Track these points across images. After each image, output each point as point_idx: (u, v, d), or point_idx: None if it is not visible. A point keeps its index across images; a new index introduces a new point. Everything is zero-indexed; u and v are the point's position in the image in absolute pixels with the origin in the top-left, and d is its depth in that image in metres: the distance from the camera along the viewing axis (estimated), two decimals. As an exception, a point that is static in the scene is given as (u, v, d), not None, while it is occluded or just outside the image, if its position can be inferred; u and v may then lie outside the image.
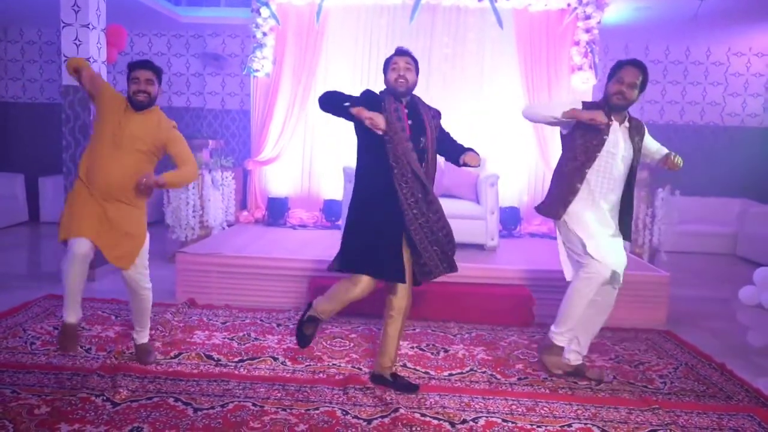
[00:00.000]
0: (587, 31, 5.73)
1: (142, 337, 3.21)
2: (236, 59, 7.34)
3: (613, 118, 2.90)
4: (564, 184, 2.98)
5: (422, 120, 2.91)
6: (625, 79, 2.84)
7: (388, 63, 2.93)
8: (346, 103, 2.78)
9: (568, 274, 3.08)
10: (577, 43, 5.80)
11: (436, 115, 3.03)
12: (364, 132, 2.84)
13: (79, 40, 4.59)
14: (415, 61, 2.94)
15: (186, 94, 7.59)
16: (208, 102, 7.52)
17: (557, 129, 3.14)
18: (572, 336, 3.07)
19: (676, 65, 7.31)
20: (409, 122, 2.87)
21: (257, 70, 5.98)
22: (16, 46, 7.67)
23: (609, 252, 2.89)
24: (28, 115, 7.71)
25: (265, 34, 5.94)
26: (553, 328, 3.08)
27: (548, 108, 3.08)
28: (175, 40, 7.54)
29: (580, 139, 2.92)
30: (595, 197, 2.91)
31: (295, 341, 3.27)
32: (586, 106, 2.95)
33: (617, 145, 2.89)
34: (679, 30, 6.50)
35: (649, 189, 5.23)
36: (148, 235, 3.07)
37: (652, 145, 3.08)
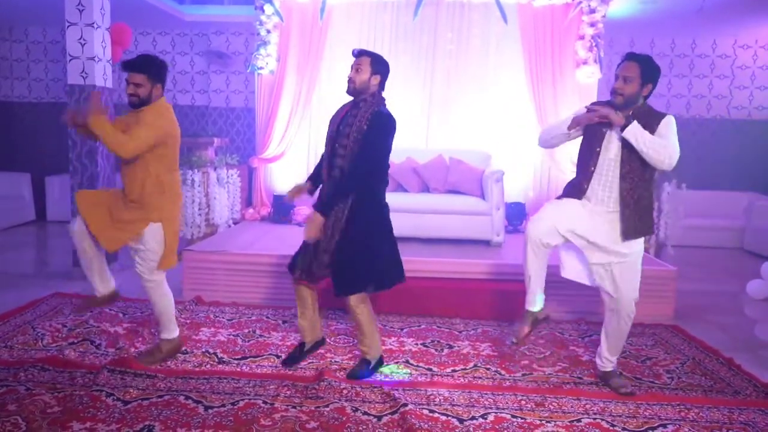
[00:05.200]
0: (592, 25, 5.71)
1: (161, 332, 3.23)
2: (240, 57, 7.34)
3: (618, 112, 2.79)
4: (571, 183, 2.95)
5: (345, 125, 2.89)
6: (619, 75, 2.77)
7: None
8: None
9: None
10: (581, 38, 5.77)
11: (366, 118, 2.84)
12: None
13: (83, 39, 4.61)
14: (372, 58, 2.89)
15: (191, 92, 7.60)
16: (213, 100, 7.53)
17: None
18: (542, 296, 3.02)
19: (682, 58, 7.27)
20: (336, 129, 2.92)
21: (261, 68, 5.98)
22: (21, 46, 7.69)
23: (549, 227, 2.83)
24: (34, 114, 7.74)
25: (268, 31, 5.94)
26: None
27: (558, 125, 2.97)
28: (179, 39, 7.55)
29: (584, 138, 2.91)
30: (598, 196, 2.82)
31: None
32: (596, 105, 2.89)
33: (613, 142, 2.78)
34: (684, 23, 6.46)
35: (655, 183, 5.20)
36: (154, 234, 3.04)
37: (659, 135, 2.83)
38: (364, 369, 3.03)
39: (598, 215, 2.83)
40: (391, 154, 2.94)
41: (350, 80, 2.88)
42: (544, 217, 2.85)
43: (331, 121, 2.99)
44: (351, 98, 2.96)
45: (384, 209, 2.97)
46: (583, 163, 2.90)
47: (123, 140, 2.86)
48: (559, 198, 2.98)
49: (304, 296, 3.11)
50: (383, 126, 2.84)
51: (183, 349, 3.32)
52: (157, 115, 2.97)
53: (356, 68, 2.87)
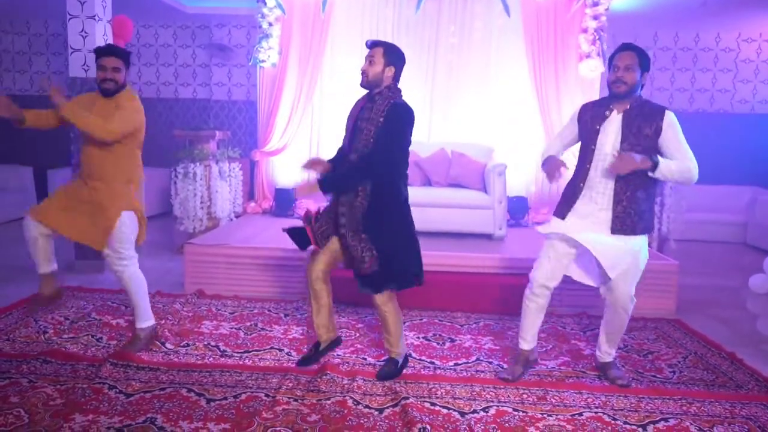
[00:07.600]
0: (595, 18, 5.67)
1: (136, 321, 3.22)
2: (242, 50, 7.32)
3: (612, 106, 2.81)
4: (569, 185, 2.94)
5: (362, 119, 2.80)
6: (620, 65, 2.75)
7: None
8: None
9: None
10: (585, 31, 5.74)
11: (383, 111, 2.75)
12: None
13: (85, 32, 4.60)
14: (385, 48, 2.78)
15: (192, 85, 7.59)
16: (215, 93, 7.51)
17: (565, 118, 3.12)
18: (533, 339, 3.06)
19: (685, 52, 7.24)
20: (354, 123, 2.81)
21: (263, 61, 5.96)
22: (23, 39, 7.68)
23: (552, 268, 2.92)
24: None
25: (270, 24, 5.92)
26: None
27: (546, 151, 3.08)
28: (181, 31, 7.53)
29: (580, 137, 2.94)
30: (592, 194, 2.81)
31: (300, 332, 3.31)
32: (590, 104, 2.93)
33: (608, 136, 2.77)
34: (688, 16, 6.43)
35: (658, 182, 5.18)
36: (126, 218, 3.06)
37: (669, 144, 2.74)
38: (392, 369, 2.93)
39: (589, 220, 2.81)
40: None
41: (363, 72, 2.77)
42: (544, 262, 2.95)
43: (348, 116, 2.89)
44: (366, 91, 2.85)
45: (405, 205, 2.83)
46: (579, 161, 2.90)
47: (100, 124, 2.87)
48: (555, 212, 2.96)
49: (319, 293, 2.95)
50: (400, 118, 2.73)
51: (185, 342, 3.33)
52: (135, 100, 3.02)
53: (369, 60, 2.77)
